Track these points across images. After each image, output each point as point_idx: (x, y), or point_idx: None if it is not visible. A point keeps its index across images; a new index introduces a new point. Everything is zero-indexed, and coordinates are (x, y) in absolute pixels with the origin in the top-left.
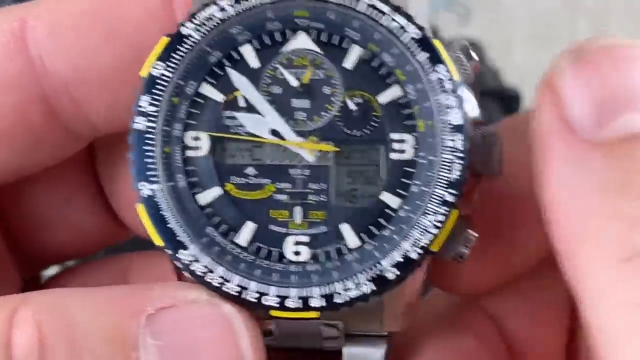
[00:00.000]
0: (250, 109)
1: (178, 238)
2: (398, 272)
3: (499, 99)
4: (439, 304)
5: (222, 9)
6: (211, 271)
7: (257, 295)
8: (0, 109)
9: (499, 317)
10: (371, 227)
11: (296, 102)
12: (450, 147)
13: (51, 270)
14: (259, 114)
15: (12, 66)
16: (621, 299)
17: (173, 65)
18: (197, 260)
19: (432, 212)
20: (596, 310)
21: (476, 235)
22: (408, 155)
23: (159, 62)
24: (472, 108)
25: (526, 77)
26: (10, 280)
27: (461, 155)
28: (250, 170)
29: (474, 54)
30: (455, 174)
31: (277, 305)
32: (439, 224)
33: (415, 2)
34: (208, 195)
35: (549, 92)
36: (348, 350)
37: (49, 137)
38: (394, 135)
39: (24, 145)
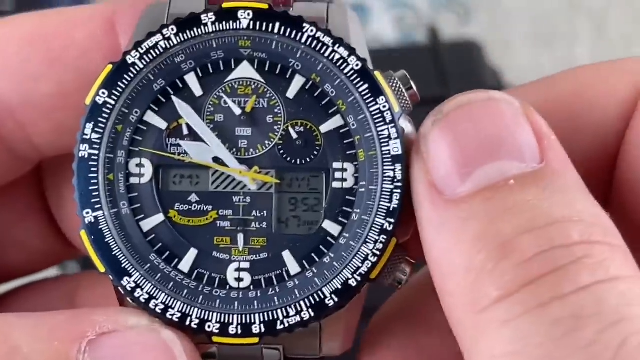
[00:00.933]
0: (194, 136)
1: (122, 265)
2: (337, 299)
3: None
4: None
5: (167, 38)
6: (154, 298)
7: (199, 321)
8: None
9: None
10: (312, 255)
11: (239, 130)
12: (390, 177)
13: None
14: (203, 141)
15: None
16: (483, 353)
17: (117, 93)
18: (140, 287)
19: (371, 240)
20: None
21: (413, 262)
22: (349, 183)
23: (103, 90)
24: (412, 137)
25: (526, 77)
26: None
27: (400, 184)
28: (193, 197)
29: (412, 84)
30: (394, 203)
31: (218, 332)
32: (377, 252)
33: (356, 34)
34: (151, 222)
35: (417, 159)
36: None
37: None
38: (336, 164)
39: None
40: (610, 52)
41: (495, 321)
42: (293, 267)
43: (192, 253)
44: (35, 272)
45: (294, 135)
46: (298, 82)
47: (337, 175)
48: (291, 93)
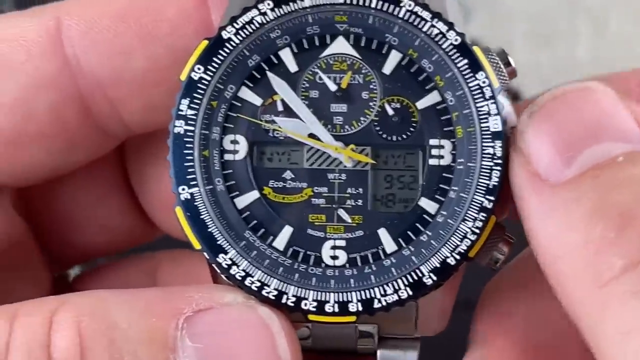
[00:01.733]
0: (289, 112)
1: (217, 242)
2: (435, 278)
3: None
4: None
5: (263, 13)
6: (250, 275)
7: (295, 299)
8: (36, 109)
9: None
10: (408, 232)
11: (334, 107)
12: (490, 153)
13: (76, 269)
14: (298, 118)
15: (48, 66)
16: (610, 330)
17: (212, 69)
18: (235, 264)
19: (470, 218)
20: (593, 340)
21: (512, 240)
22: (446, 161)
23: (199, 66)
24: (510, 114)
25: (526, 76)
26: (41, 278)
27: (500, 162)
28: (287, 174)
29: (510, 59)
30: (494, 181)
31: (315, 310)
32: (477, 230)
33: (452, 10)
34: (246, 199)
35: (516, 154)
36: (382, 353)
37: (83, 137)
38: (433, 141)
39: (58, 145)
40: (610, 52)
41: (621, 293)
42: (389, 245)
43: (287, 230)
44: (116, 252)
45: (390, 112)
46: (394, 57)
47: (434, 152)
48: (387, 69)
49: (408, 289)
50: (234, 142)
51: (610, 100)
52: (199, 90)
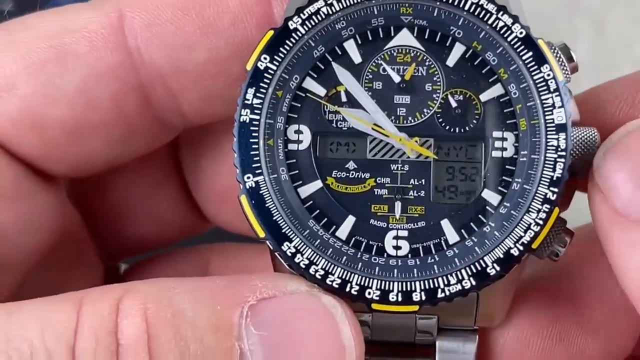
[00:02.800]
0: (352, 103)
1: (282, 230)
2: (499, 268)
3: None
4: None
5: (329, 4)
6: (314, 263)
7: (359, 288)
8: (98, 99)
9: None
10: (471, 224)
11: (398, 98)
12: (554, 145)
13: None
14: (361, 108)
15: (111, 57)
16: None
17: (278, 59)
18: (300, 253)
19: (534, 209)
20: None
21: (572, 232)
22: (509, 153)
23: (265, 55)
24: (573, 108)
25: None
26: (93, 269)
27: (564, 154)
28: (351, 165)
29: (573, 55)
30: (557, 173)
31: (379, 299)
32: (540, 222)
33: (516, 3)
34: (309, 189)
35: (595, 191)
36: (441, 344)
37: (142, 128)
38: (496, 134)
39: (118, 135)
40: (610, 52)
41: None
42: (452, 235)
43: (350, 220)
44: (167, 245)
45: (453, 104)
46: (458, 50)
47: (497, 144)
48: (451, 61)
49: (472, 279)
50: (298, 132)
51: None
52: (265, 80)
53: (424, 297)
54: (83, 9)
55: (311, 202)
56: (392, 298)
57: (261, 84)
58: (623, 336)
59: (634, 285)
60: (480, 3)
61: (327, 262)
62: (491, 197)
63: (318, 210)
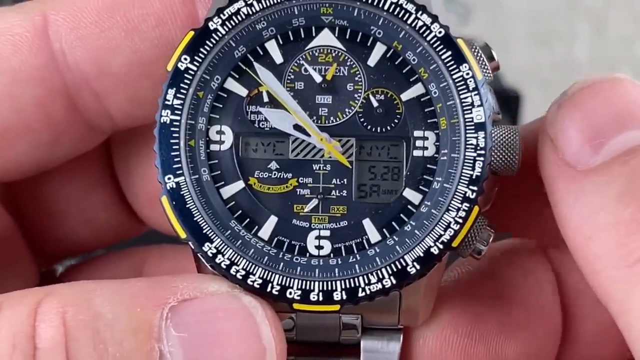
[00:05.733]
0: (274, 104)
1: (203, 231)
2: (419, 267)
3: (498, 98)
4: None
5: (249, 5)
6: (235, 264)
7: (280, 288)
8: (23, 103)
9: (561, 272)
10: (393, 223)
11: (320, 98)
12: (473, 144)
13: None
14: (283, 109)
15: (35, 61)
16: (638, 306)
17: (199, 59)
18: (221, 253)
19: (454, 208)
20: (621, 316)
21: (493, 231)
22: (430, 152)
23: (185, 56)
24: (492, 106)
25: (526, 77)
26: (28, 273)
27: (483, 152)
28: (273, 165)
29: (494, 54)
30: (477, 171)
31: (299, 298)
32: (460, 220)
33: (437, 3)
34: (231, 189)
35: (546, 142)
36: (365, 344)
37: (69, 132)
38: (417, 133)
39: (45, 140)
40: (610, 52)
41: None
42: (373, 235)
43: (272, 220)
44: (102, 247)
45: (375, 104)
46: (379, 50)
47: (418, 143)
48: (372, 61)
49: (392, 277)
50: (220, 132)
51: (638, 90)
52: (186, 81)
53: (344, 297)
54: (7, 12)
55: (233, 202)
56: (313, 298)
57: (182, 85)
58: (543, 338)
59: (574, 233)
60: (399, 3)
61: (248, 262)
62: (412, 196)
63: (240, 211)
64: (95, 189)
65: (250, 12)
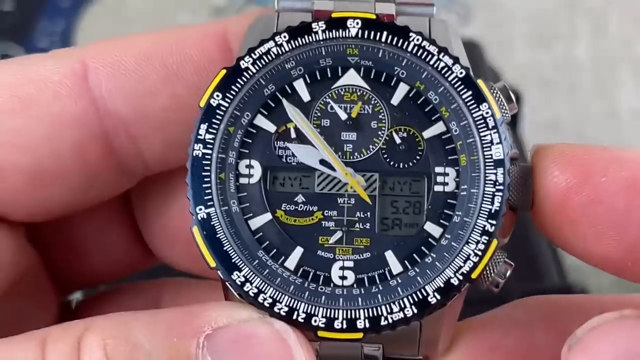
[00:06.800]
0: (301, 139)
1: (232, 260)
2: (439, 297)
3: None
4: None
5: (279, 45)
6: (262, 292)
7: (305, 315)
8: (61, 148)
9: None
10: (414, 255)
11: (345, 135)
12: (492, 180)
13: (77, 294)
14: (310, 144)
15: (75, 107)
16: None
17: (230, 96)
18: (249, 282)
19: (473, 241)
20: None
21: (512, 264)
22: (450, 187)
23: (217, 93)
24: (510, 144)
25: (526, 76)
26: (50, 304)
27: (502, 187)
28: (299, 198)
29: (512, 96)
30: (495, 206)
31: (324, 326)
32: (479, 252)
33: (457, 46)
34: (259, 221)
35: None
36: None
37: (103, 176)
38: (438, 169)
39: (79, 183)
40: (610, 52)
41: None
42: (395, 266)
43: (298, 251)
44: (115, 280)
45: (398, 141)
46: (402, 89)
47: (439, 179)
48: (395, 100)
49: (413, 307)
50: (249, 166)
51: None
52: (217, 116)
53: (367, 325)
54: (46, 59)
55: (261, 233)
56: (338, 326)
57: (213, 120)
58: None
59: None
60: (422, 45)
61: (275, 290)
62: (433, 229)
63: (267, 242)
64: (113, 224)
65: (280, 52)
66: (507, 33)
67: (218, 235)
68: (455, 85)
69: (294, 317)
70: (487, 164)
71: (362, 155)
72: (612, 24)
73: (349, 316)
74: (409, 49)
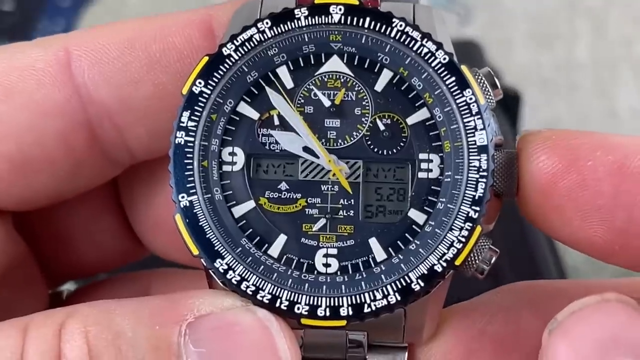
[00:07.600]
0: (285, 127)
1: (215, 248)
2: (423, 284)
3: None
4: None
5: (261, 32)
6: (245, 280)
7: (288, 303)
8: (45, 136)
9: None
10: (398, 242)
11: (328, 122)
12: (476, 166)
13: (68, 285)
14: (293, 131)
15: (58, 95)
16: None
17: (212, 83)
18: (232, 269)
19: (457, 227)
20: None
21: (497, 251)
22: (434, 174)
23: (200, 80)
24: (495, 131)
25: (526, 77)
26: (40, 294)
27: (485, 174)
28: (282, 185)
29: (497, 81)
30: (479, 192)
31: (307, 314)
32: (463, 239)
33: (442, 31)
34: (242, 208)
35: None
36: None
37: (88, 164)
38: (422, 155)
39: (64, 172)
40: (610, 52)
41: None
42: (379, 253)
43: (282, 239)
44: (106, 271)
45: (381, 127)
46: (386, 75)
47: (423, 165)
48: (379, 86)
49: (397, 294)
50: (232, 154)
51: (627, 312)
52: (200, 104)
53: (351, 312)
54: (29, 46)
55: (244, 221)
56: (321, 313)
57: (196, 108)
58: None
59: None
60: (405, 30)
61: (258, 278)
62: (417, 216)
63: (251, 229)
64: (102, 215)
65: (263, 39)
66: (507, 33)
67: (200, 223)
68: (439, 71)
69: (277, 304)
70: (470, 150)
71: (345, 142)
72: (612, 24)
73: (332, 304)
74: (392, 34)
